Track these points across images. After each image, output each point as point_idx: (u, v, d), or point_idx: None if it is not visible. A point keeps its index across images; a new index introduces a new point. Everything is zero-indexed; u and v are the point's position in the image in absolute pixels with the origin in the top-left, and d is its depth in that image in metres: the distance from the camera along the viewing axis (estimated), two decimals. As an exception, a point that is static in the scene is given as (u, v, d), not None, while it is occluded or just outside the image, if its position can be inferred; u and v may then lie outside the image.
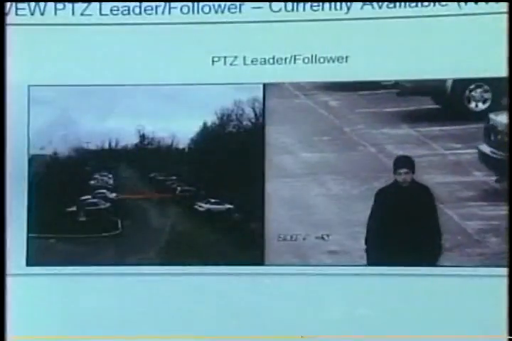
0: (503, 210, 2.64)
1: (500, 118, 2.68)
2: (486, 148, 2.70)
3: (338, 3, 2.88)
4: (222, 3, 2.92)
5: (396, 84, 2.77)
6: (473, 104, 2.77)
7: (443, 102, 2.78)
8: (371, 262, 2.81)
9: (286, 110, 2.86)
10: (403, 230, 2.78)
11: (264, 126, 2.93)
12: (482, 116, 2.77)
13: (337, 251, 2.79)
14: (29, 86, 2.95)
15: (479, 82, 2.79)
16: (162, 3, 2.94)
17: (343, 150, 2.80)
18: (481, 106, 2.77)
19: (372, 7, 2.87)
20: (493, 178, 2.68)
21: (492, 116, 2.72)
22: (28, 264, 2.95)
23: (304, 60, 2.89)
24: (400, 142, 2.76)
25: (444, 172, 2.70)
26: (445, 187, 2.69)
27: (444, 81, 2.77)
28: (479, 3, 2.82)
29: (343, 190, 2.78)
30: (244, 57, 2.91)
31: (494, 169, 2.67)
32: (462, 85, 2.75)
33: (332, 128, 2.82)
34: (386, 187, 2.77)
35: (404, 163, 2.75)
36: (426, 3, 2.84)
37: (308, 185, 2.82)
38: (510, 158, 2.70)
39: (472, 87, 2.76)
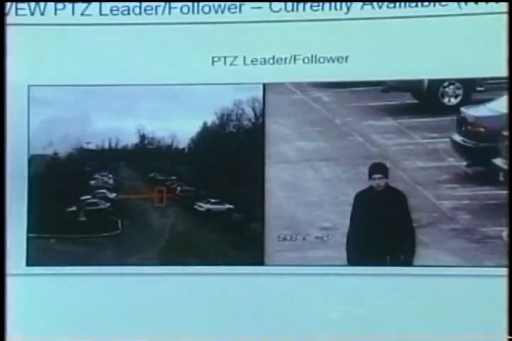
0: (472, 191, 2.89)
1: (470, 112, 2.97)
2: (457, 138, 2.97)
3: (338, 3, 2.88)
4: (222, 3, 2.92)
5: (381, 82, 2.94)
6: (446, 99, 3.02)
7: (421, 98, 3.01)
8: (351, 262, 2.87)
9: (284, 105, 2.97)
10: (378, 231, 2.90)
11: (264, 126, 2.93)
12: (454, 109, 2.99)
13: (329, 227, 2.91)
14: (29, 86, 2.96)
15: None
16: (162, 3, 2.94)
17: (335, 140, 2.99)
18: (454, 101, 3.02)
19: (372, 7, 2.87)
20: (464, 163, 2.94)
21: (463, 109, 2.98)
22: (28, 264, 2.95)
23: (303, 60, 2.89)
24: (384, 132, 2.97)
25: (422, 158, 2.93)
26: (423, 171, 2.91)
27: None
28: (479, 3, 2.82)
29: (335, 174, 2.95)
30: (244, 57, 2.91)
31: (465, 155, 2.95)
32: (437, 83, 2.99)
33: (325, 121, 3.00)
34: (363, 191, 2.92)
35: (378, 169, 2.93)
36: (426, 3, 2.84)
37: (304, 171, 2.97)
38: (510, 157, 2.76)
39: (446, 84, 3.00)
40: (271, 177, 2.92)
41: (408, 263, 2.84)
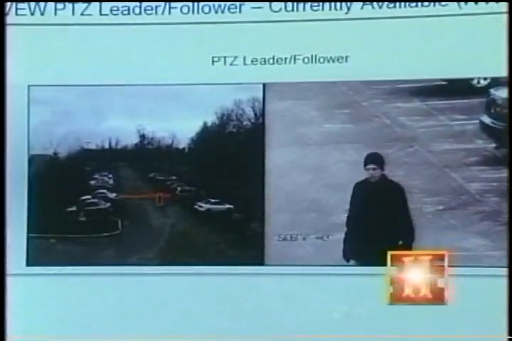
0: (501, 173, 2.86)
1: (499, 93, 2.93)
2: (486, 119, 2.94)
3: (338, 3, 2.88)
4: (222, 3, 2.92)
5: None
6: (475, 81, 2.95)
7: (449, 79, 2.95)
8: (347, 256, 2.86)
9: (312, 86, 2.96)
10: (374, 224, 2.88)
11: (265, 125, 2.93)
12: (483, 91, 2.94)
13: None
14: (29, 86, 2.96)
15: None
16: (162, 3, 2.94)
17: (362, 122, 2.97)
18: (483, 82, 2.95)
19: (372, 7, 2.87)
20: (493, 145, 2.91)
21: (492, 91, 2.93)
22: (28, 264, 2.95)
23: (303, 60, 2.89)
24: (411, 114, 2.95)
25: (450, 140, 2.91)
26: (451, 153, 2.91)
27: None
28: (479, 3, 2.82)
29: (361, 156, 2.92)
30: (244, 57, 2.91)
31: (494, 137, 2.92)
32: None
33: (352, 103, 2.98)
34: (359, 182, 2.90)
35: (373, 159, 2.89)
36: (426, 3, 2.84)
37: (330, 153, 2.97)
38: (510, 153, 2.78)
39: None
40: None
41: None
